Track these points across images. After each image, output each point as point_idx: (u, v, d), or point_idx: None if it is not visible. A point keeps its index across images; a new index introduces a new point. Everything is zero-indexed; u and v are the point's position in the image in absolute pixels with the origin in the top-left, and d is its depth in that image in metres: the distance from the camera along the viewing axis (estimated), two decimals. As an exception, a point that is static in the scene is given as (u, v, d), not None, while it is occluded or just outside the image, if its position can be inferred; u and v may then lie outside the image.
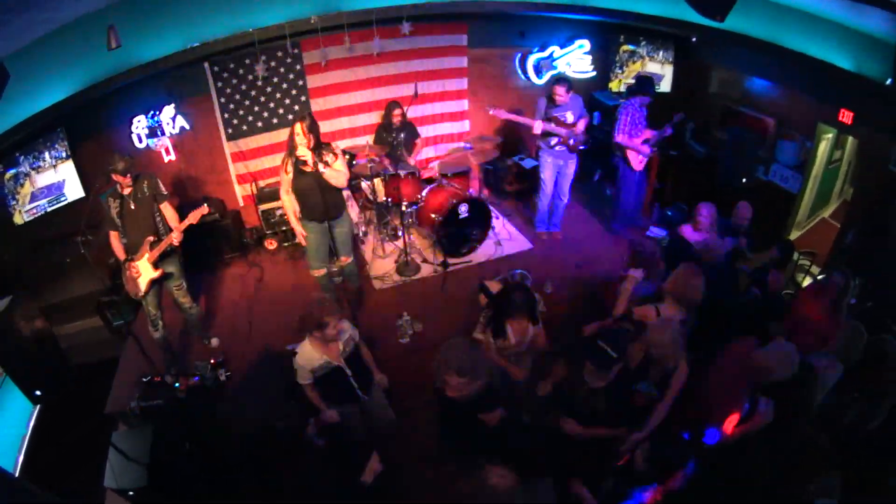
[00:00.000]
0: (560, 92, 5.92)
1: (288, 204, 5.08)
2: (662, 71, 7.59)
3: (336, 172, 4.77)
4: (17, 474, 5.46)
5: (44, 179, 6.19)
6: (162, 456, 4.71)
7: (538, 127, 6.04)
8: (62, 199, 6.46)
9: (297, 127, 4.61)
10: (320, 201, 4.93)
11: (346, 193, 5.10)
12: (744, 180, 6.79)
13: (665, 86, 7.60)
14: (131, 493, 4.46)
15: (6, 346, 5.66)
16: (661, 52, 7.53)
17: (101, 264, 6.91)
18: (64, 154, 6.22)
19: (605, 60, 7.91)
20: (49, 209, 6.51)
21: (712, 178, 7.02)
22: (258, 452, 4.81)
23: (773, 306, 4.68)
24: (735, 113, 6.96)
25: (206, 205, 4.93)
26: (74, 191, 6.40)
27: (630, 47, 7.66)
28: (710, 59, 7.28)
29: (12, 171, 5.84)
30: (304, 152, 4.65)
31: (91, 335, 6.81)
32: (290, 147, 4.75)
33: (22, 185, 6.03)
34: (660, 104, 6.61)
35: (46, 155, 6.17)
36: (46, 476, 4.83)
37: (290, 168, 4.85)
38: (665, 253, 5.05)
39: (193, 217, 4.86)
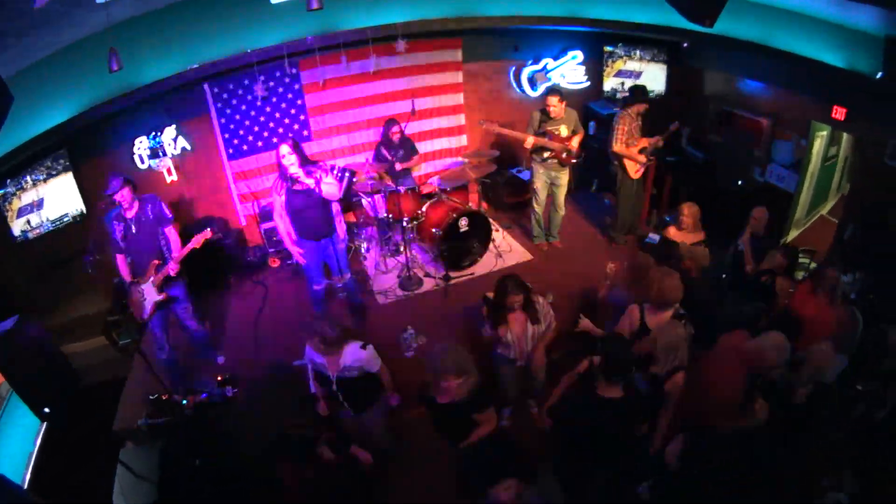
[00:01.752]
0: (553, 102, 5.95)
1: (282, 227, 5.14)
2: (641, 68, 7.67)
3: (329, 185, 4.86)
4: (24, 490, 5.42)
5: (33, 196, 6.30)
6: (171, 472, 4.74)
7: (529, 141, 6.04)
8: (65, 219, 6.54)
9: (284, 148, 4.72)
10: (314, 219, 5.02)
11: (335, 208, 5.14)
12: (740, 182, 6.84)
13: (655, 86, 7.65)
14: None
15: (14, 364, 5.66)
16: (637, 52, 7.62)
17: (107, 284, 6.99)
18: (60, 169, 6.36)
19: (598, 70, 7.99)
20: (52, 228, 6.58)
21: (710, 183, 7.05)
22: (267, 466, 4.80)
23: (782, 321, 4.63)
24: (729, 115, 7.02)
25: (209, 229, 4.94)
26: (75, 210, 6.53)
27: (608, 48, 7.74)
28: (702, 63, 7.36)
29: (1, 192, 5.96)
30: (295, 171, 4.73)
31: (98, 354, 6.83)
32: (281, 170, 4.84)
33: (10, 203, 6.12)
34: (655, 110, 6.65)
35: (41, 172, 6.27)
36: (53, 493, 4.76)
37: (281, 190, 4.95)
38: (654, 256, 5.05)
39: (196, 242, 4.89)
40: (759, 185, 6.74)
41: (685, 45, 7.15)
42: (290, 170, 4.71)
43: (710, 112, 7.33)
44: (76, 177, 6.45)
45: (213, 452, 4.96)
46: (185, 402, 5.21)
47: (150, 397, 5.52)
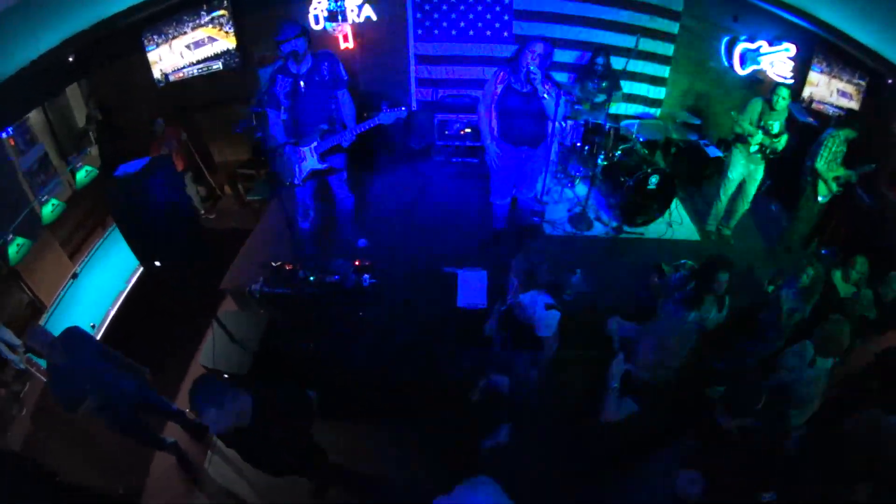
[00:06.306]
0: (784, 96, 5.60)
1: (485, 120, 4.68)
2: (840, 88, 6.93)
3: (552, 101, 4.43)
4: (101, 331, 5.26)
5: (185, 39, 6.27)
6: (277, 347, 4.49)
7: (757, 138, 5.68)
8: (213, 66, 6.38)
9: (541, 47, 4.32)
10: (525, 125, 4.59)
11: (552, 126, 4.71)
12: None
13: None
14: (226, 375, 4.21)
15: (139, 206, 5.31)
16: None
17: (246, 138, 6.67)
18: (218, 16, 6.27)
19: (804, 72, 7.34)
20: (196, 74, 6.40)
21: (876, 232, 6.42)
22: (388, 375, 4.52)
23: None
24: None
25: (403, 108, 4.47)
26: (226, 59, 6.44)
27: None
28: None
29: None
30: (535, 70, 4.28)
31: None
32: (518, 63, 4.39)
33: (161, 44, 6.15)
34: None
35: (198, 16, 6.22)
36: (131, 340, 4.46)
37: (500, 83, 4.49)
38: None
39: (386, 118, 4.43)
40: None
41: (889, 81, 6.48)
42: (531, 67, 4.26)
43: (888, 163, 6.64)
44: (236, 26, 6.26)
45: (332, 341, 4.73)
46: (311, 279, 4.82)
47: (273, 264, 5.11)
